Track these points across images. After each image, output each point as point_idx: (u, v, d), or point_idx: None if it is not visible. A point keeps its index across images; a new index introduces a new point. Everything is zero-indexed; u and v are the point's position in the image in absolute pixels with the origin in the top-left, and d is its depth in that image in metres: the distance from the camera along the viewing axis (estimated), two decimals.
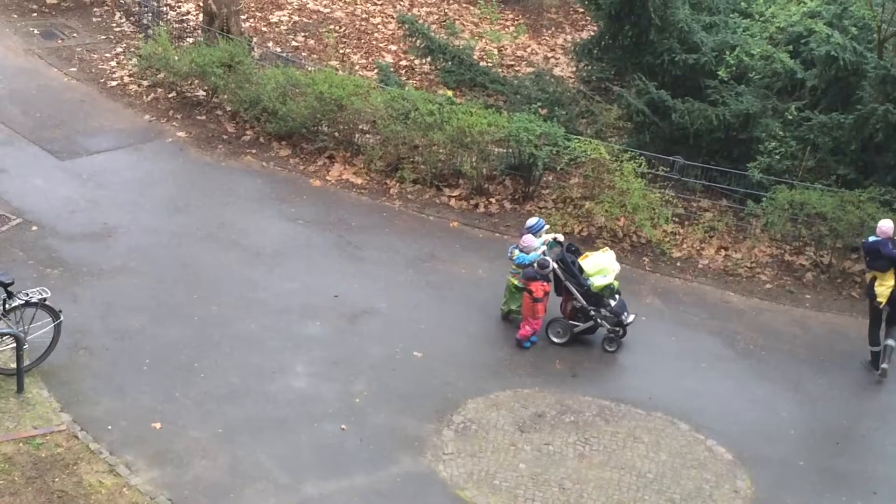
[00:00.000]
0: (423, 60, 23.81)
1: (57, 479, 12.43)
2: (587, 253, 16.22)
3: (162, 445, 13.13)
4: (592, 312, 15.76)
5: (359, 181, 19.46)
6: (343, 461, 13.22)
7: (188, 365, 14.47)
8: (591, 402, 14.73)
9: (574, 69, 24.22)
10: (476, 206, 19.21)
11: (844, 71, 19.93)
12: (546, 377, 15.14)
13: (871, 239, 16.02)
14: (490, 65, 24.12)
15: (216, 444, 13.23)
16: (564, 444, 13.92)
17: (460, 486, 13.09)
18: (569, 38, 26.50)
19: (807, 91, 20.66)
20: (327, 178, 19.50)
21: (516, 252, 15.69)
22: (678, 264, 18.33)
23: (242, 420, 13.65)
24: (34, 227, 17.02)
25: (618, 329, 15.80)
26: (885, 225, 16.04)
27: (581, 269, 15.84)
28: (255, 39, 23.65)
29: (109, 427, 13.29)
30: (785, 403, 15.25)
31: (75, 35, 23.84)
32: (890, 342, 15.96)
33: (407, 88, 20.90)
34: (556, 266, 15.65)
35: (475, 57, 23.86)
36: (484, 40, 25.37)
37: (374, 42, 25.01)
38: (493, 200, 19.35)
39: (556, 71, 24.18)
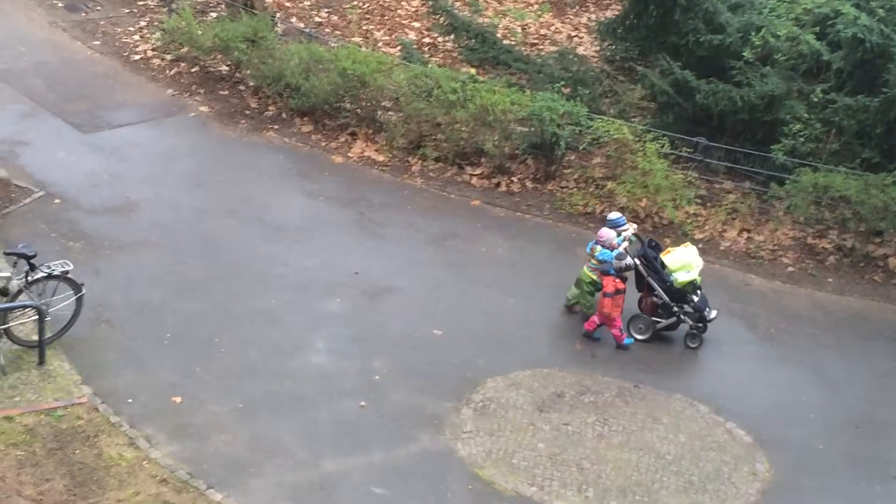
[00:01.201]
0: (447, 38, 23.74)
1: (77, 452, 12.50)
2: (669, 248, 16.04)
3: (182, 419, 13.19)
4: (675, 309, 15.58)
5: (381, 158, 19.45)
6: (362, 438, 13.24)
7: (208, 339, 14.52)
8: (611, 383, 14.71)
9: (598, 48, 24.09)
10: (498, 184, 19.18)
11: (871, 53, 19.75)
12: (565, 357, 15.13)
13: None
14: (513, 43, 24.02)
15: (236, 419, 13.28)
16: (583, 424, 13.92)
17: (479, 464, 13.11)
18: (593, 16, 26.38)
19: (832, 73, 20.49)
20: (349, 154, 19.49)
21: (598, 248, 15.43)
22: (700, 246, 18.16)
23: (262, 395, 13.70)
24: (57, 201, 17.08)
25: (700, 325, 15.61)
26: None
27: (663, 265, 15.63)
28: (278, 14, 23.63)
29: (130, 400, 13.35)
30: (805, 387, 15.20)
31: (99, 8, 23.87)
32: None
33: (430, 66, 20.85)
34: (638, 262, 15.47)
35: (499, 35, 23.75)
36: (508, 18, 25.27)
37: (397, 19, 24.96)
38: (514, 179, 19.31)
39: (580, 50, 24.07)
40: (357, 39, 23.20)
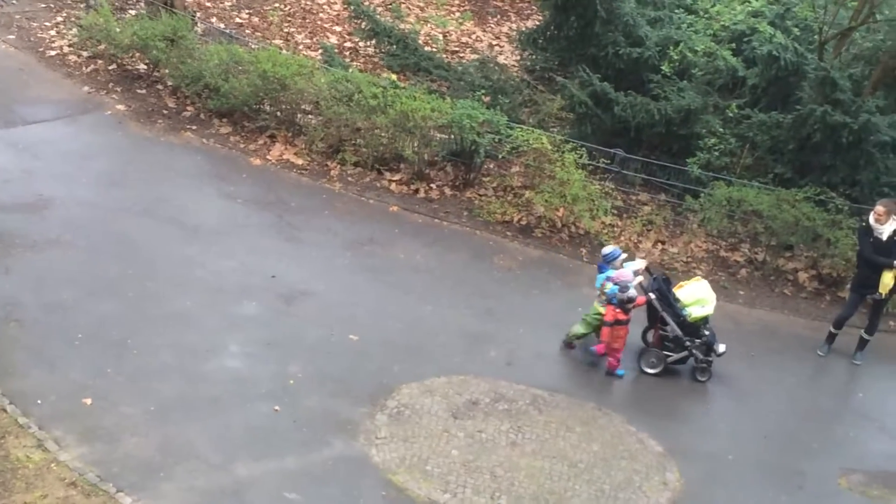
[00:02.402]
0: (368, 43, 23.72)
1: None
2: (681, 283, 16.04)
3: (92, 421, 12.97)
4: (688, 343, 15.58)
5: (299, 161, 19.36)
6: (275, 442, 13.15)
7: (121, 341, 14.31)
8: (525, 391, 14.77)
9: (518, 58, 24.25)
10: (416, 191, 19.19)
11: (785, 71, 20.19)
12: (481, 364, 15.16)
13: None
14: (435, 50, 24.08)
15: (147, 422, 13.10)
16: (497, 431, 13.96)
17: (392, 470, 13.08)
18: (514, 26, 26.55)
19: (748, 89, 20.88)
20: (268, 157, 19.37)
21: (608, 284, 15.30)
22: None
23: (175, 398, 13.53)
24: None
25: (710, 360, 15.63)
26: None
27: (676, 299, 15.63)
28: (198, 14, 23.43)
29: (39, 401, 13.10)
30: (716, 398, 15.41)
31: (14, 2, 23.45)
32: (864, 334, 16.63)
33: (351, 70, 20.80)
34: (653, 297, 15.45)
35: (420, 41, 23.81)
36: (429, 25, 25.35)
37: (318, 22, 24.88)
38: (433, 186, 19.34)
39: (501, 59, 24.20)
40: (278, 42, 23.08)
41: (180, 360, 14.16)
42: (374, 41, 23.47)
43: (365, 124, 19.25)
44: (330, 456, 13.12)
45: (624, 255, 15.79)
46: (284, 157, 19.42)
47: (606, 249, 15.84)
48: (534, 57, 23.62)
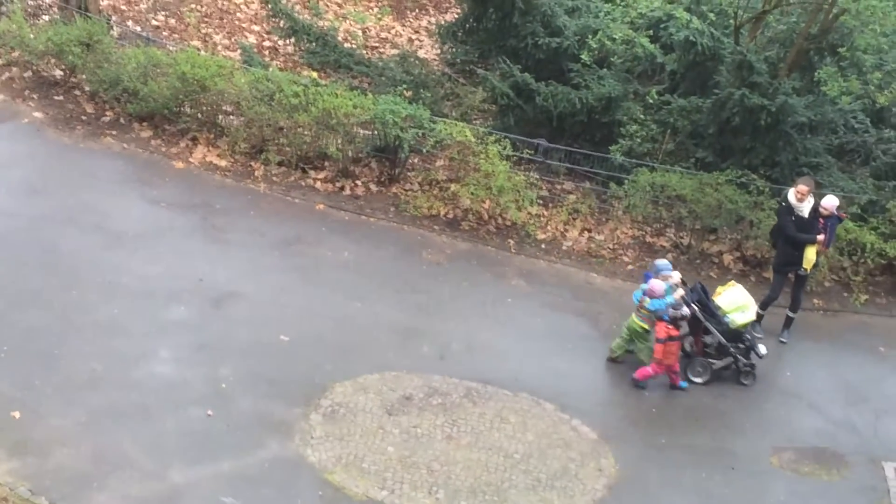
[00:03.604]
0: (287, 41, 23.57)
1: None
2: (719, 290, 16.09)
3: (21, 435, 12.80)
4: (732, 350, 15.67)
5: (223, 163, 19.21)
6: (209, 447, 13.08)
7: (48, 351, 14.12)
8: (459, 384, 14.83)
9: (438, 52, 24.26)
10: (342, 188, 19.13)
11: (702, 56, 20.42)
12: (413, 360, 15.19)
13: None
14: (354, 46, 24.01)
15: (78, 433, 12.96)
16: (432, 426, 14.00)
17: (329, 469, 13.08)
18: (433, 19, 26.54)
19: (667, 75, 21.11)
20: (190, 160, 19.19)
21: (647, 299, 15.35)
22: (543, 246, 18.55)
23: (105, 407, 13.40)
24: None
25: (753, 363, 15.73)
26: (832, 202, 16.58)
27: (717, 307, 15.69)
28: (113, 18, 23.12)
29: None
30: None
31: None
32: (790, 312, 16.96)
33: (271, 70, 20.68)
34: (696, 308, 15.49)
35: (339, 38, 23.72)
36: (348, 21, 25.25)
37: (236, 22, 24.67)
38: (358, 183, 19.29)
39: (421, 53, 24.19)
40: (196, 43, 22.85)
41: (110, 369, 14.02)
42: (293, 39, 23.32)
43: (287, 123, 19.15)
44: (265, 458, 13.08)
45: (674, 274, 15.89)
46: (207, 159, 19.26)
47: (660, 262, 16.01)
48: (454, 50, 23.65)
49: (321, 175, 19.31)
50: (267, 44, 23.88)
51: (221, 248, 16.94)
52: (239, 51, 22.63)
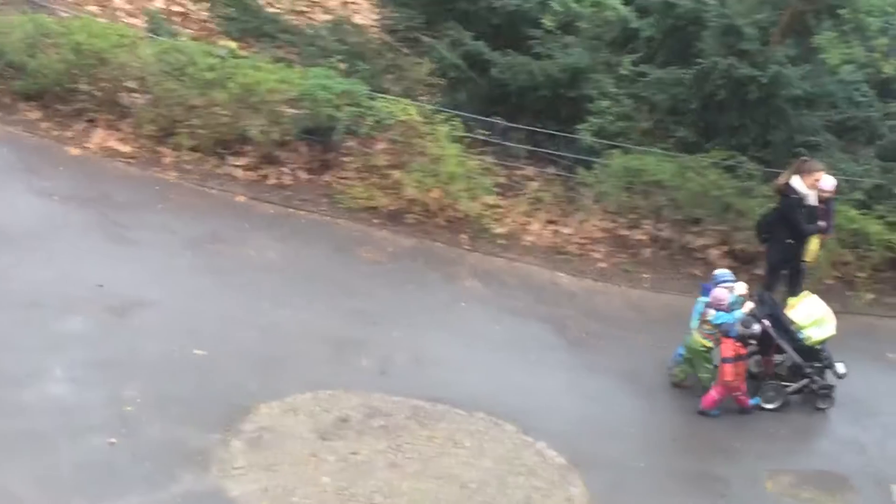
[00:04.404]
0: (200, 6, 23.48)
1: None
2: (792, 302, 16.13)
3: None
4: (809, 370, 15.71)
5: (126, 149, 19.11)
6: (113, 481, 12.96)
7: None
8: (404, 403, 14.82)
9: (377, 17, 24.22)
10: (266, 176, 19.09)
11: (683, 20, 20.47)
12: (350, 376, 15.16)
13: None
14: (279, 11, 23.91)
15: None
16: (373, 452, 13.98)
17: None
18: None
19: (642, 43, 21.14)
20: (87, 145, 19.07)
21: (712, 311, 15.38)
22: (501, 242, 18.61)
23: None
24: None
25: (832, 384, 15.76)
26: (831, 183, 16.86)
27: (791, 322, 15.72)
28: None
29: None
30: (622, 397, 15.65)
31: None
32: None
33: (181, 39, 20.58)
34: (767, 324, 15.51)
35: (262, 2, 23.64)
36: None
37: None
38: (285, 170, 19.26)
39: (357, 19, 24.14)
40: (93, 9, 22.70)
41: None
42: (207, 4, 23.24)
43: (201, 101, 19.06)
44: (178, 492, 12.99)
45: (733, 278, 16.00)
46: (107, 144, 19.15)
47: (719, 271, 16.12)
48: (396, 15, 23.58)
49: (241, 162, 19.26)
50: (176, 9, 23.77)
51: (125, 249, 16.84)
52: (143, 17, 22.49)
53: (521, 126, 20.06)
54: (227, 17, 22.84)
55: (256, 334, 15.60)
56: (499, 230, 18.78)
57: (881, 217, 18.64)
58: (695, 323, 15.76)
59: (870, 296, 18.43)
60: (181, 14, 23.62)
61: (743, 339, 15.29)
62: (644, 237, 19.19)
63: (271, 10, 23.69)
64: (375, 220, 18.47)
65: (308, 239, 17.79)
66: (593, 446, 14.73)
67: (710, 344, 15.53)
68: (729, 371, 15.25)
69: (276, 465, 13.58)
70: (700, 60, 19.57)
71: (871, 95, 21.49)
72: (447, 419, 14.69)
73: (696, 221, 19.09)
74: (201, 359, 14.98)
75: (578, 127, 19.69)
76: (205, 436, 13.79)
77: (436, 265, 17.71)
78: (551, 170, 20.08)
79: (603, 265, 18.45)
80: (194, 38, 21.52)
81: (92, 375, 14.38)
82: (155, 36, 20.42)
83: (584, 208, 19.40)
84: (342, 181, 19.14)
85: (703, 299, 15.79)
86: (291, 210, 18.47)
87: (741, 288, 15.80)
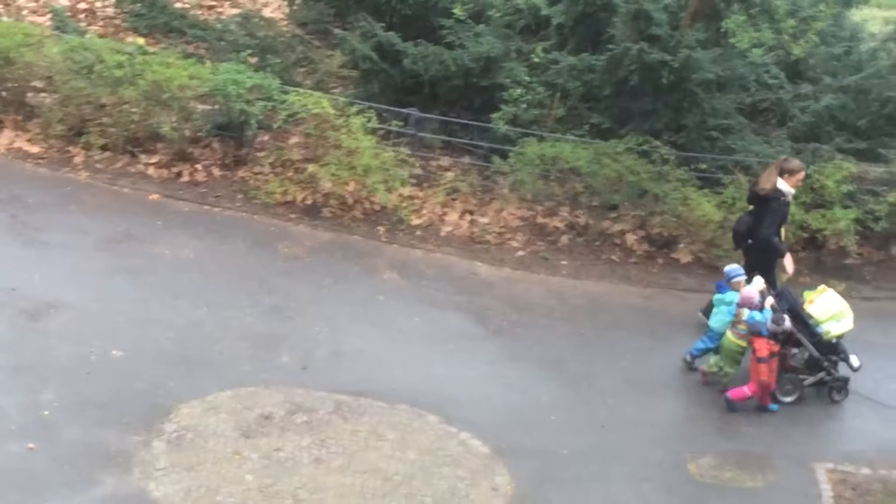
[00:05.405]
0: (106, 2, 23.28)
1: None
2: (809, 296, 16.12)
3: None
4: (826, 364, 15.75)
5: (34, 150, 18.93)
6: (33, 487, 12.82)
7: None
8: (326, 398, 14.79)
9: (287, 10, 24.14)
10: (179, 174, 18.97)
11: (593, 6, 20.59)
12: (271, 372, 15.11)
13: None
14: (187, 6, 23.76)
15: None
16: (297, 448, 13.95)
17: None
18: None
19: (553, 30, 21.27)
20: None
21: (745, 311, 15.34)
22: (418, 233, 18.63)
23: None
24: None
25: (847, 377, 15.82)
26: None
27: (809, 316, 15.73)
28: None
29: None
30: (544, 385, 15.70)
31: None
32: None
33: (88, 36, 20.38)
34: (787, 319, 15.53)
35: None
36: None
37: None
38: (199, 167, 19.16)
39: (267, 12, 24.05)
40: None
41: None
42: (113, 0, 23.04)
43: (111, 99, 18.93)
44: (100, 496, 12.88)
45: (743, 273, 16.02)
46: (15, 145, 18.97)
47: (729, 267, 16.12)
48: (305, 8, 23.54)
49: (154, 159, 19.14)
50: (82, 6, 23.55)
51: (37, 251, 16.67)
52: (49, 15, 22.26)
53: (435, 116, 20.09)
54: (135, 14, 22.69)
55: (175, 334, 15.50)
56: (416, 221, 18.80)
57: (795, 198, 18.83)
58: (715, 321, 15.94)
59: (784, 276, 18.63)
60: (87, 11, 23.41)
61: (774, 336, 15.42)
62: (561, 224, 19.30)
63: (179, 5, 23.54)
64: (292, 215, 18.42)
65: (224, 236, 17.71)
66: (517, 435, 14.77)
67: (744, 344, 15.64)
68: (765, 370, 15.35)
69: (199, 464, 13.52)
70: (611, 46, 19.71)
71: (781, 78, 21.80)
72: (370, 413, 14.69)
73: (613, 207, 19.22)
74: (119, 360, 14.87)
75: (492, 116, 19.75)
76: (126, 438, 13.68)
77: (354, 258, 17.69)
78: (467, 159, 20.13)
79: (521, 253, 18.53)
80: (101, 36, 21.35)
81: (7, 381, 14.22)
82: (61, 34, 20.22)
83: (500, 197, 19.47)
84: (257, 176, 19.07)
85: (718, 296, 15.94)
86: (206, 207, 18.38)
87: (759, 283, 15.87)
